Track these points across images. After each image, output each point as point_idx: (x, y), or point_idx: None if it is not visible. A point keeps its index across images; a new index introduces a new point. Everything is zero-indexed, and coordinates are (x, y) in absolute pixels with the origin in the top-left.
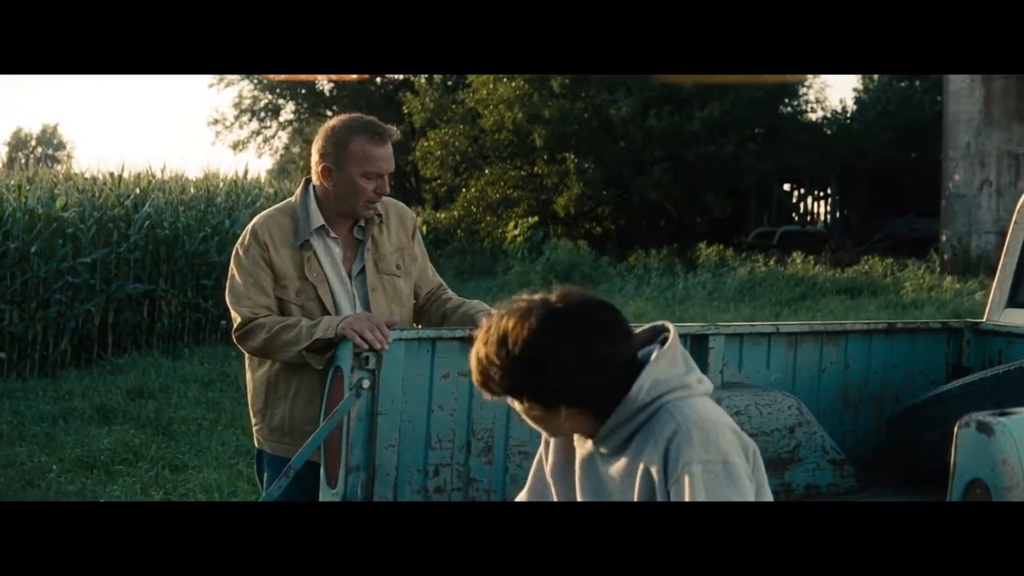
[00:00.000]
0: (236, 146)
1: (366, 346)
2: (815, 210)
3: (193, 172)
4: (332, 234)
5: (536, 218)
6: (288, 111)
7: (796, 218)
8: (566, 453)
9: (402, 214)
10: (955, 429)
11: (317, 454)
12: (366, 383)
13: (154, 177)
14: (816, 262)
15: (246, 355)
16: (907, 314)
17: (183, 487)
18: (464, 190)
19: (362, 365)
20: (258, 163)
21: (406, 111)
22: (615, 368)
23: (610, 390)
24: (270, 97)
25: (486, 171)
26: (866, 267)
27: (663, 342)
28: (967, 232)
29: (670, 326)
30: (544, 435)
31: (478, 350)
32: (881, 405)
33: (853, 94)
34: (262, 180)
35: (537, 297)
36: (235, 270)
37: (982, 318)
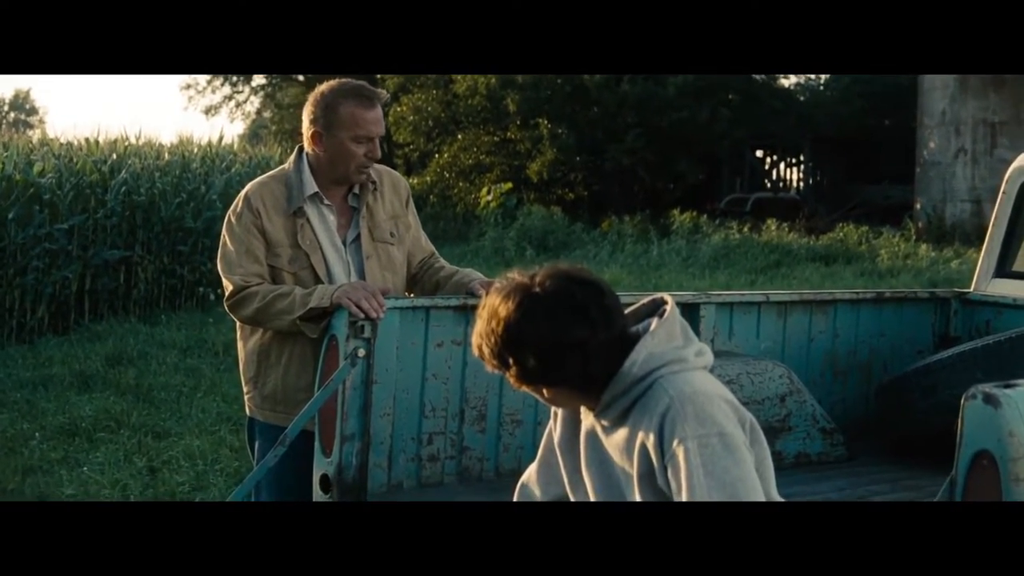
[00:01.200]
0: (208, 111)
1: (362, 315)
2: (787, 177)
3: (167, 137)
4: (326, 201)
5: (510, 184)
6: (260, 76)
7: (768, 185)
8: (573, 426)
9: (396, 182)
10: (962, 401)
11: (311, 423)
12: (361, 352)
13: (129, 143)
14: (790, 229)
15: (238, 323)
16: (883, 282)
17: (166, 453)
18: (437, 155)
19: (357, 334)
20: (231, 128)
21: (380, 76)
22: (592, 350)
23: (590, 371)
24: None
25: (459, 136)
26: (841, 235)
27: (662, 315)
28: (942, 200)
29: (668, 298)
30: (553, 408)
31: (476, 324)
32: (869, 374)
33: None
34: (235, 146)
35: (524, 277)
36: (227, 237)
37: (960, 286)
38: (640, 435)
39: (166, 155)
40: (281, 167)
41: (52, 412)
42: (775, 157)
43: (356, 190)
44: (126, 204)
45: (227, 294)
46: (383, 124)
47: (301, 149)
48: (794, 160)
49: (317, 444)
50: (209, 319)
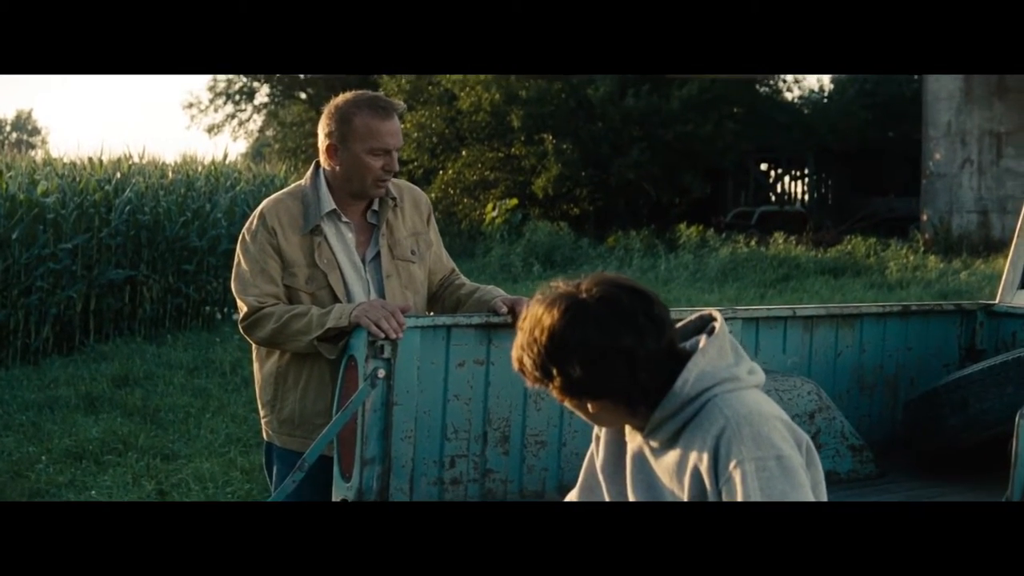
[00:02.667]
0: (211, 130)
1: (381, 334)
2: (792, 190)
3: (170, 156)
4: (344, 218)
5: (515, 200)
6: (263, 94)
7: (773, 198)
8: (617, 448)
9: (417, 198)
10: (1016, 419)
11: (329, 447)
12: (381, 372)
13: (133, 162)
14: (798, 242)
15: (253, 346)
16: (893, 295)
17: (175, 476)
18: (441, 172)
19: (377, 354)
20: (233, 147)
21: (383, 92)
22: (640, 360)
23: (638, 383)
24: (245, 80)
25: (463, 153)
26: (849, 247)
27: (711, 332)
28: (948, 211)
29: (717, 314)
30: (595, 431)
31: (517, 337)
32: (896, 389)
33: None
34: (239, 164)
35: (569, 285)
36: (241, 257)
37: (970, 298)
38: (692, 457)
39: (170, 174)
40: (297, 183)
41: (58, 435)
42: (779, 170)
43: (375, 206)
44: (130, 223)
45: (241, 315)
46: (400, 136)
47: (318, 165)
48: (798, 173)
49: (336, 468)
50: (216, 339)
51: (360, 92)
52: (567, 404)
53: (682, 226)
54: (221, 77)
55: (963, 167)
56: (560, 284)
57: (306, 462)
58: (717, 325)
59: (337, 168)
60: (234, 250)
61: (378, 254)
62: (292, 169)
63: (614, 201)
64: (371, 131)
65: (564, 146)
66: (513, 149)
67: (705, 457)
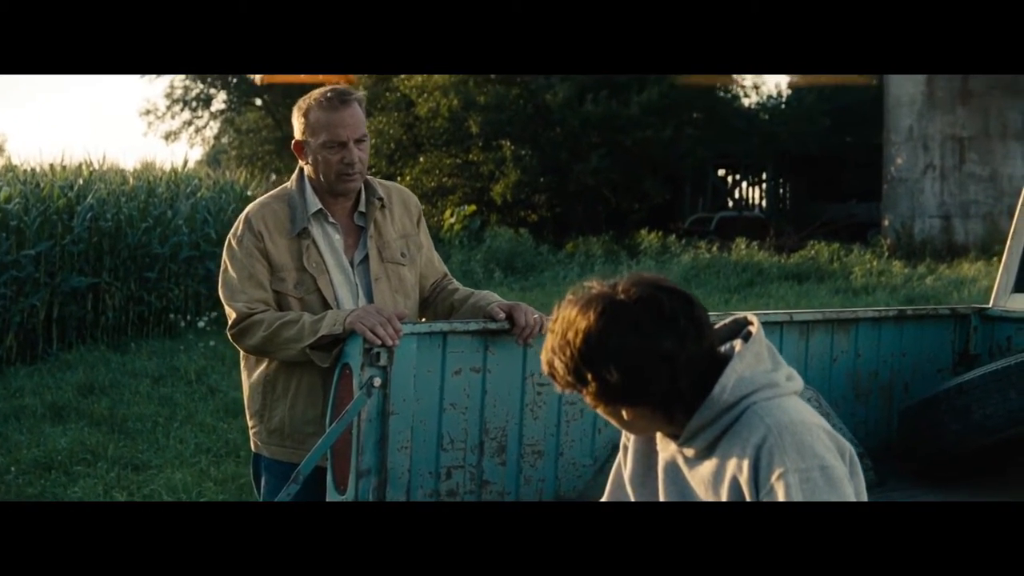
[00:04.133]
0: (168, 136)
1: (378, 341)
2: (750, 196)
3: (127, 163)
4: (331, 219)
5: (473, 207)
6: (219, 100)
7: (731, 204)
8: (647, 458)
9: (406, 199)
10: None
11: (323, 458)
12: (377, 381)
13: (94, 168)
14: (760, 248)
15: (241, 353)
16: (859, 300)
17: (147, 487)
18: (399, 178)
19: (373, 362)
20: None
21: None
22: (680, 365)
23: (678, 389)
24: (201, 87)
25: (421, 159)
26: (812, 252)
27: (746, 337)
28: (910, 217)
29: (753, 318)
30: (623, 440)
31: (547, 340)
32: (891, 395)
33: (787, 78)
34: (199, 171)
35: (605, 286)
36: (228, 262)
37: (936, 302)
38: (731, 467)
39: (131, 180)
40: (282, 186)
41: (26, 445)
42: (737, 176)
43: (362, 207)
44: (93, 230)
45: (230, 322)
46: (358, 127)
47: (303, 168)
48: (755, 179)
49: (330, 479)
50: (180, 346)
51: (322, 88)
52: (600, 411)
53: (643, 232)
54: (178, 84)
55: (925, 172)
56: (595, 284)
57: (301, 474)
58: (754, 329)
59: (307, 166)
60: (195, 257)
61: (367, 256)
62: (252, 176)
63: (572, 207)
64: (322, 124)
65: (523, 152)
66: (471, 155)
67: (745, 467)
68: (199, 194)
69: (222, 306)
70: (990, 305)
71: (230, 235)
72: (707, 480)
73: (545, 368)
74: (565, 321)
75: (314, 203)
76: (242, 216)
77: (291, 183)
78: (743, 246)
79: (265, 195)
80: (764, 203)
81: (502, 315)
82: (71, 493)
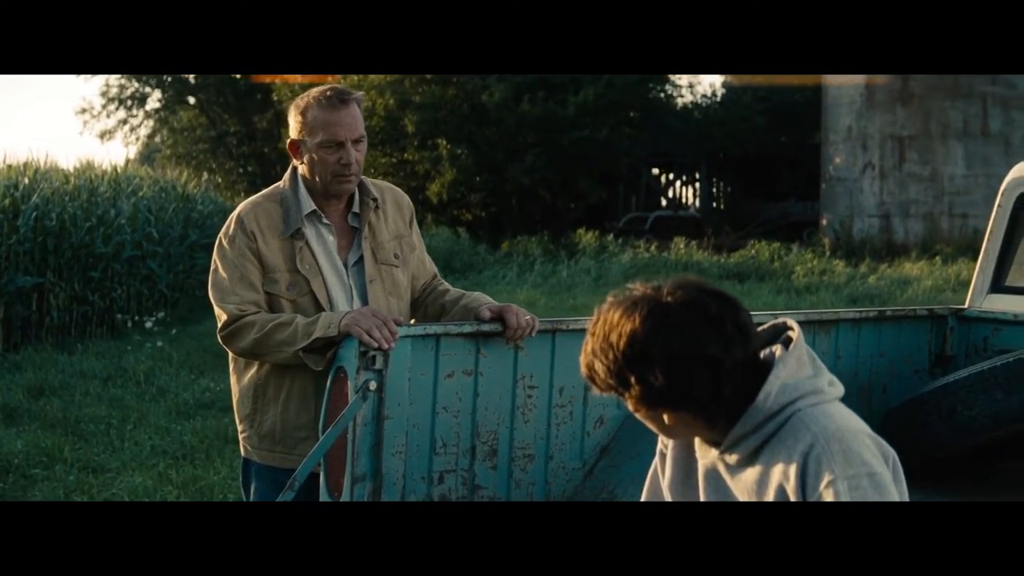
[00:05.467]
0: (103, 135)
1: (374, 344)
2: (684, 195)
3: (65, 163)
4: (325, 220)
5: None
6: (154, 99)
7: (665, 203)
8: (686, 464)
9: (399, 200)
10: None
11: (316, 463)
12: (373, 384)
13: (39, 168)
14: (698, 248)
15: (231, 356)
16: (802, 299)
17: (107, 491)
18: None
19: (368, 365)
20: (125, 152)
21: (276, 98)
22: (726, 370)
23: (721, 394)
24: (136, 86)
25: None
26: (752, 252)
27: (785, 342)
28: (849, 216)
29: (794, 323)
30: (659, 446)
31: (586, 343)
32: (870, 396)
33: (720, 79)
34: (140, 171)
35: (648, 288)
36: (219, 262)
37: (880, 302)
38: (776, 475)
39: (72, 180)
40: (274, 185)
41: None
42: (671, 175)
43: (356, 208)
44: (37, 230)
45: (220, 324)
46: (355, 127)
47: (296, 168)
48: (689, 178)
49: (323, 485)
50: (127, 347)
51: (321, 87)
52: (640, 415)
53: (581, 231)
54: (113, 82)
55: (864, 171)
56: (638, 286)
57: (297, 480)
58: (794, 335)
59: (301, 166)
60: (137, 257)
61: (361, 258)
62: (192, 175)
63: (507, 207)
64: (320, 124)
65: (458, 151)
66: (407, 154)
67: (792, 475)
68: (140, 193)
69: (168, 306)
70: (966, 306)
71: (221, 234)
72: (750, 487)
73: (584, 371)
74: (608, 323)
75: (308, 204)
76: (233, 215)
77: (284, 182)
78: (682, 245)
79: (257, 194)
80: (698, 202)
81: (489, 315)
82: (31, 496)
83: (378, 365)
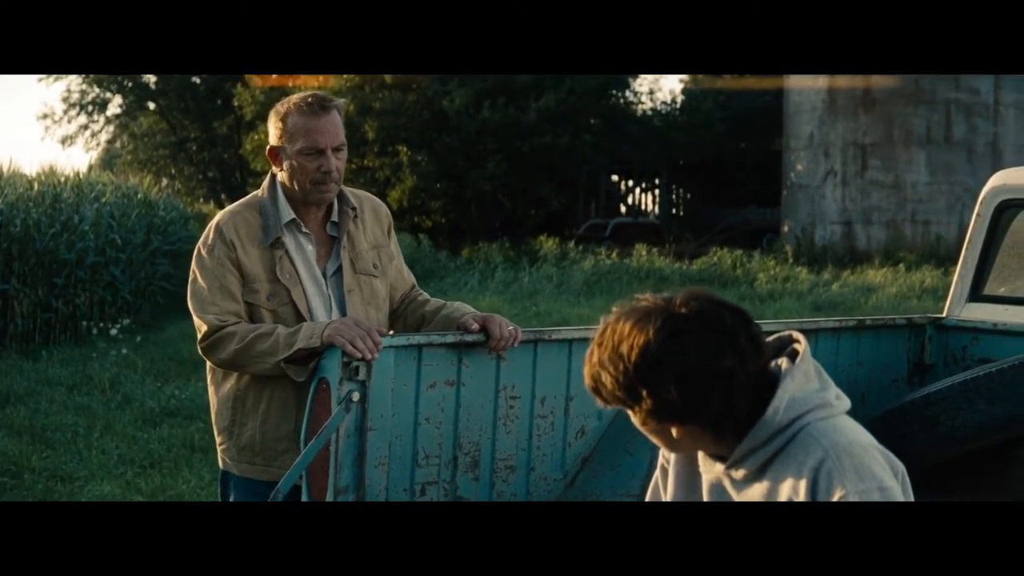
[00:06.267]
0: (64, 141)
1: (358, 355)
2: (643, 202)
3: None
4: (304, 229)
5: None
6: (115, 105)
7: (624, 210)
8: (689, 479)
9: (377, 209)
10: None
11: (299, 475)
12: (356, 396)
13: (1, 173)
14: (660, 254)
15: (208, 366)
16: (766, 306)
17: (76, 500)
18: None
19: (351, 376)
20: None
21: (237, 103)
22: (739, 384)
23: (732, 408)
24: (97, 91)
25: None
26: (715, 259)
27: (792, 355)
28: (811, 223)
29: (800, 336)
30: (661, 460)
31: (591, 353)
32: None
33: (680, 85)
34: (103, 177)
35: (659, 299)
36: (198, 272)
37: (844, 310)
38: (785, 490)
39: (35, 186)
40: (252, 194)
41: None
42: (630, 182)
43: (335, 216)
44: (2, 236)
45: (200, 335)
46: (336, 135)
47: (274, 174)
48: (649, 185)
49: (305, 497)
50: (92, 354)
51: (301, 93)
52: (647, 429)
53: (542, 238)
54: (75, 87)
55: (826, 178)
56: (648, 297)
57: (280, 493)
58: (801, 348)
59: (281, 173)
60: (100, 263)
61: (339, 268)
62: (152, 181)
63: (467, 213)
64: (300, 130)
65: (419, 158)
66: (367, 160)
67: (802, 490)
68: (103, 199)
69: (131, 313)
70: (944, 315)
71: (200, 244)
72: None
73: (589, 382)
74: (617, 335)
75: (287, 212)
76: (212, 224)
77: (262, 191)
78: (643, 252)
79: (236, 203)
80: (657, 209)
81: (476, 327)
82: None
83: (361, 376)
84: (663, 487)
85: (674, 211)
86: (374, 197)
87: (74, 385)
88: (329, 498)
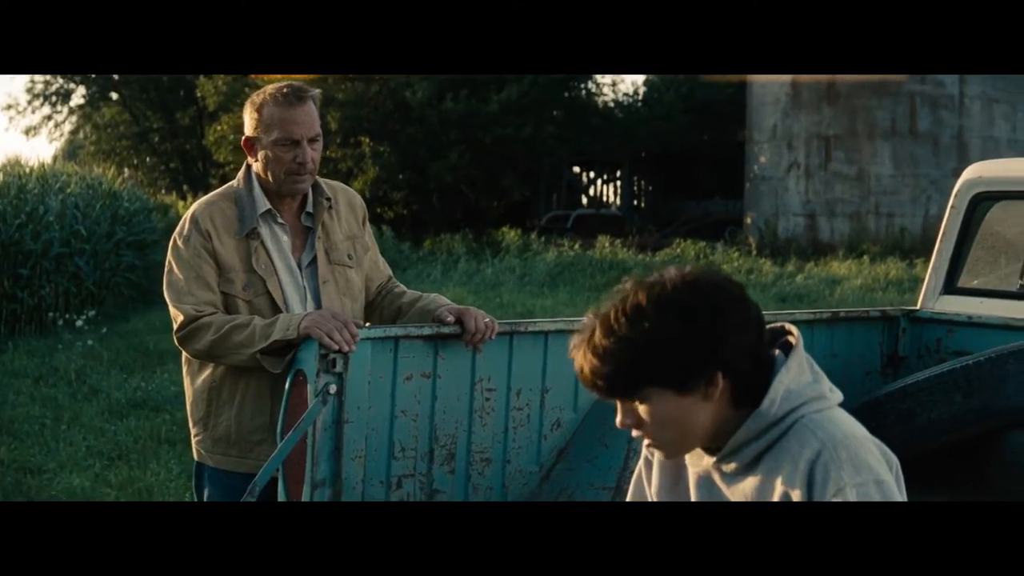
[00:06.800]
0: (28, 131)
1: (335, 347)
2: (605, 193)
3: None
4: (280, 219)
5: None
6: (79, 95)
7: (586, 202)
8: (675, 471)
9: (352, 200)
10: None
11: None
12: (333, 388)
13: None
14: (623, 246)
15: (184, 357)
16: None
17: (45, 492)
18: None
19: (328, 368)
20: (48, 148)
21: (199, 94)
22: (749, 343)
23: (736, 395)
24: (61, 82)
25: None
26: (678, 250)
27: (783, 347)
28: (774, 215)
29: (793, 328)
30: (645, 452)
31: (592, 340)
32: None
33: (642, 77)
34: (67, 167)
35: (665, 274)
36: (174, 263)
37: (809, 301)
38: (779, 483)
39: (1, 176)
40: (228, 184)
41: None
42: (592, 174)
43: (309, 207)
44: None
45: (177, 325)
46: (312, 125)
47: (250, 165)
48: (611, 176)
49: (281, 490)
50: (58, 345)
51: (277, 84)
52: (664, 404)
53: (504, 229)
54: (39, 78)
55: (790, 170)
56: (664, 273)
57: (257, 486)
58: (794, 339)
59: (255, 164)
60: (65, 255)
61: (314, 259)
62: (117, 172)
63: (429, 204)
64: (275, 121)
65: (381, 149)
66: (329, 152)
67: (798, 482)
68: (68, 190)
69: (95, 304)
70: (918, 307)
71: (175, 234)
72: (750, 496)
73: (587, 374)
74: (610, 319)
75: (263, 203)
76: (188, 215)
77: (238, 181)
78: (606, 244)
79: (211, 193)
80: (619, 201)
81: (451, 319)
82: None
83: (338, 368)
84: (647, 479)
85: (636, 203)
86: (349, 188)
87: (40, 376)
88: (306, 491)
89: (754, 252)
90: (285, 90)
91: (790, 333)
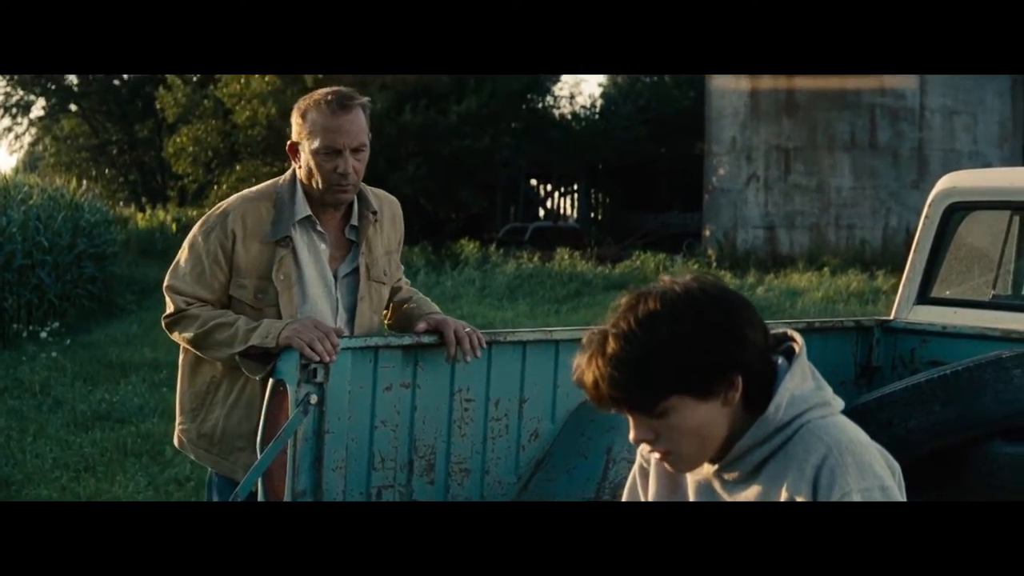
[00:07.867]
0: None
1: (316, 357)
2: (562, 206)
3: None
4: (319, 227)
5: None
6: (38, 107)
7: (543, 214)
8: (672, 479)
9: (396, 213)
10: None
11: (245, 473)
12: (314, 398)
13: None
14: (581, 258)
15: (182, 346)
16: None
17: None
18: (216, 187)
19: (309, 378)
20: (7, 160)
21: (159, 106)
22: (752, 376)
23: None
24: (21, 93)
25: (238, 167)
26: (638, 263)
27: (786, 353)
28: (732, 227)
29: (796, 335)
30: (640, 461)
31: (593, 357)
32: None
33: (600, 89)
34: (28, 179)
35: (671, 283)
36: (187, 250)
37: (769, 314)
38: (785, 489)
39: None
40: (271, 182)
41: None
42: (549, 186)
43: (354, 220)
44: None
45: (166, 311)
46: (357, 135)
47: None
48: (568, 189)
49: (261, 499)
50: (22, 357)
51: (326, 89)
52: (683, 413)
53: (463, 241)
54: None
55: (749, 183)
56: (668, 279)
57: (239, 495)
58: (797, 346)
59: (299, 170)
60: (27, 266)
61: (353, 272)
62: (77, 184)
63: None
64: (319, 129)
65: None
66: (288, 163)
67: (803, 487)
68: (31, 202)
69: (59, 316)
70: (892, 317)
71: (201, 222)
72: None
73: (588, 381)
74: (640, 311)
75: (303, 209)
76: (221, 207)
77: (282, 181)
78: (565, 256)
79: (254, 188)
80: (576, 213)
81: (424, 327)
82: None
83: (319, 378)
84: (642, 487)
85: (593, 215)
86: (394, 200)
87: (4, 388)
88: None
89: (713, 264)
90: (330, 96)
91: (792, 339)
